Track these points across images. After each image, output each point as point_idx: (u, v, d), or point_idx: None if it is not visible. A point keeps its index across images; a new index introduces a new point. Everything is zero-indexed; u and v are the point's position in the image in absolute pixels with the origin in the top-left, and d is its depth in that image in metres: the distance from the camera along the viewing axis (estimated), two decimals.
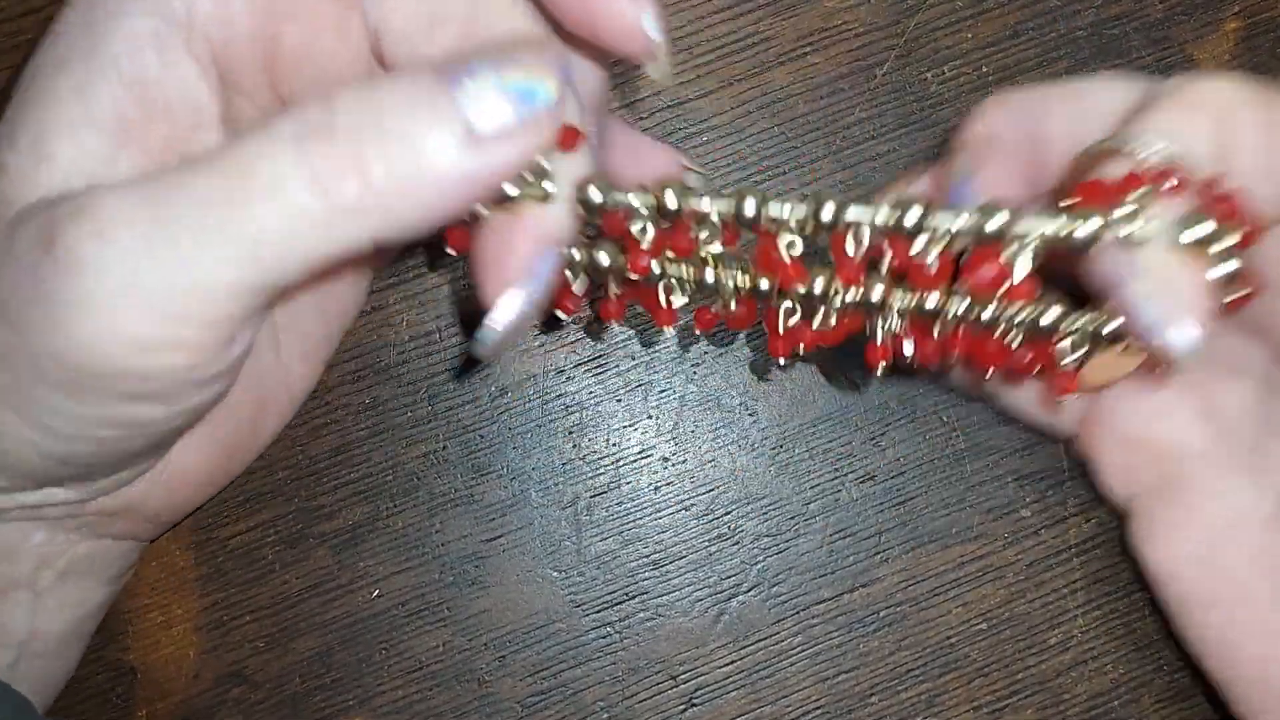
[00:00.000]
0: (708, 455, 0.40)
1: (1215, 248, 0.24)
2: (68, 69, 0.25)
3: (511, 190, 0.25)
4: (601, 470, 0.39)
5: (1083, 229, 0.24)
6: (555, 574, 0.39)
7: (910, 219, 0.25)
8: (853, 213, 0.25)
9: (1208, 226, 0.24)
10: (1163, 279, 0.24)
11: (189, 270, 0.22)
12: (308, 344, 0.36)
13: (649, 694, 0.39)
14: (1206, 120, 0.26)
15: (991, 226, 0.25)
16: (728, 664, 0.39)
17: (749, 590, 0.39)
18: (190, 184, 0.23)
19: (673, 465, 0.40)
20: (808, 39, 0.39)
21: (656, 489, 0.39)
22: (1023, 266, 0.25)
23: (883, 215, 0.25)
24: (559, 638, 0.39)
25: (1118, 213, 0.24)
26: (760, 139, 0.39)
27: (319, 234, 0.23)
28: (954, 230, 0.25)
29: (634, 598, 0.39)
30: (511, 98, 0.23)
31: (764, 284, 0.27)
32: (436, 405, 0.39)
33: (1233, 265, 0.24)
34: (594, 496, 0.39)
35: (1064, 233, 0.24)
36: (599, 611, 0.39)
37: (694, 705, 0.39)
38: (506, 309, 0.26)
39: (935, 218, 0.25)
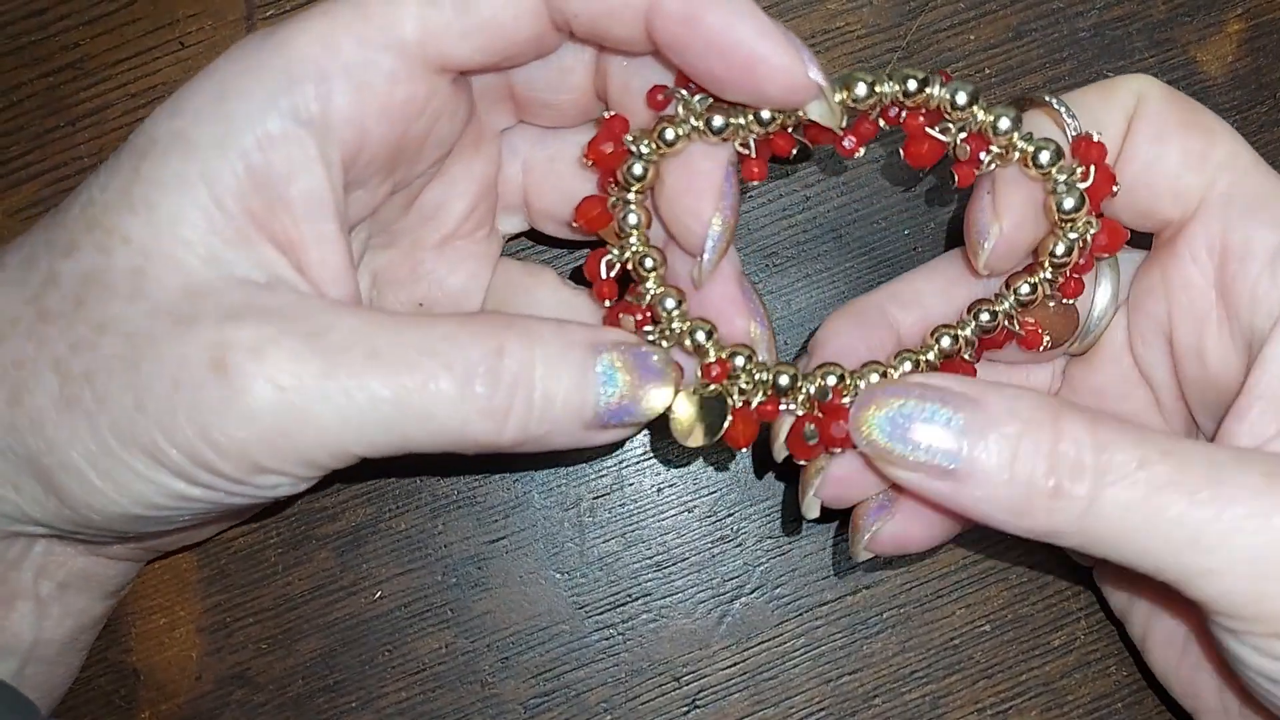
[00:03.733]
0: (710, 457, 0.40)
1: (1061, 175, 0.29)
2: (197, 154, 0.26)
3: (670, 134, 0.29)
4: (604, 472, 0.39)
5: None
6: (558, 575, 0.39)
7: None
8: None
9: (1062, 160, 0.29)
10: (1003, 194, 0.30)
11: (335, 437, 0.26)
12: None
13: (652, 695, 0.39)
14: (1120, 109, 0.30)
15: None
16: (731, 665, 0.39)
17: (752, 592, 0.39)
18: (363, 368, 0.25)
19: (675, 467, 0.40)
20: (811, 41, 0.39)
21: (659, 490, 0.39)
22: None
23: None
24: (562, 639, 0.39)
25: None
26: None
27: (450, 439, 0.26)
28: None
29: (637, 599, 0.39)
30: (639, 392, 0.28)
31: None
32: None
33: (1074, 194, 0.29)
34: (597, 498, 0.39)
35: None
36: (602, 613, 0.39)
37: (697, 707, 0.39)
38: (715, 229, 0.30)
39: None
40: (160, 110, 0.27)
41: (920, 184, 0.40)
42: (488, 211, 0.34)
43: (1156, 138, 0.30)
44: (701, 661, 0.39)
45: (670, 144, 0.30)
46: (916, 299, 0.34)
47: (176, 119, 0.27)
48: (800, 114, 0.29)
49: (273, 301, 0.26)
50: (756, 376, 0.30)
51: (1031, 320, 0.32)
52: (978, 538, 0.39)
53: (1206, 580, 0.26)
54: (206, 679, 0.39)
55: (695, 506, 0.39)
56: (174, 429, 0.25)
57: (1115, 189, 0.30)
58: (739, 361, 0.30)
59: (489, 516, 0.39)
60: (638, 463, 0.39)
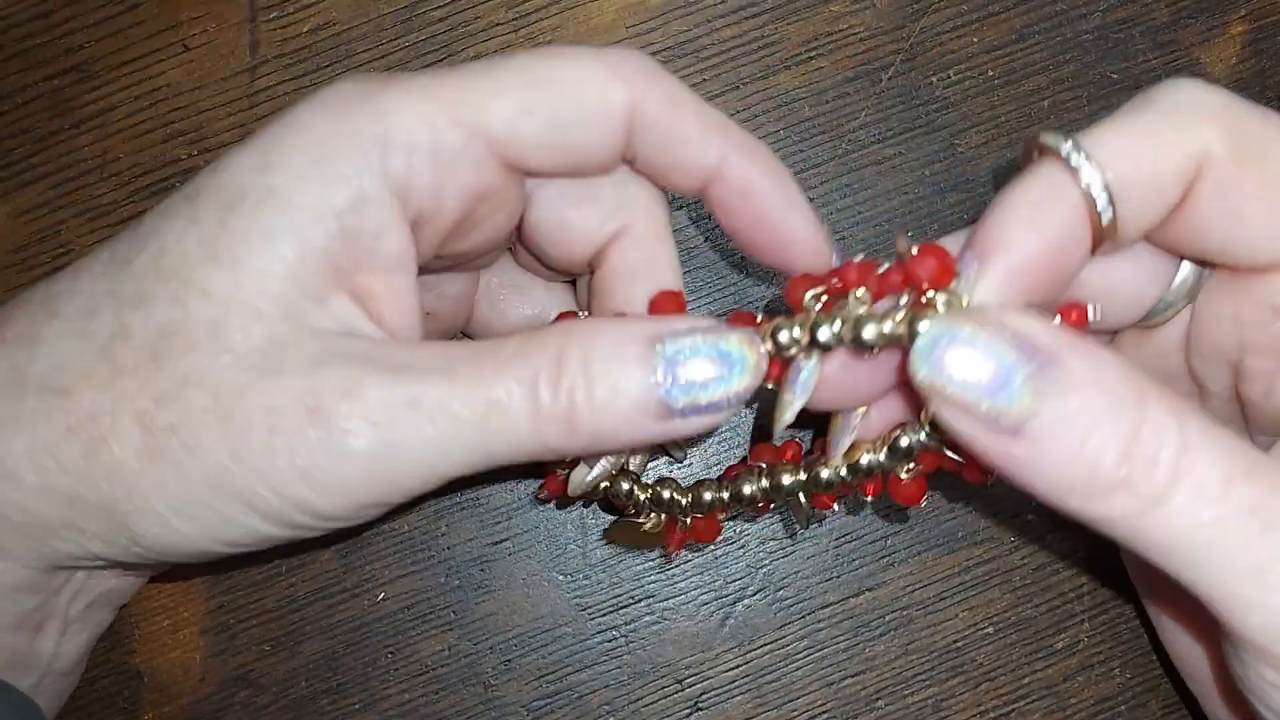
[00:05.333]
0: (713, 458, 0.40)
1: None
2: (291, 212, 0.27)
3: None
4: None
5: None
6: (561, 578, 0.39)
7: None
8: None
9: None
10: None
11: (427, 463, 0.27)
12: None
13: (654, 698, 0.39)
14: (1177, 158, 0.27)
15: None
16: (733, 668, 0.39)
17: (754, 594, 0.39)
18: (444, 393, 0.26)
19: (678, 468, 0.40)
20: (813, 43, 0.39)
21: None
22: None
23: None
24: (565, 641, 0.39)
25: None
26: (766, 142, 0.39)
27: (530, 449, 0.27)
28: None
29: (639, 601, 0.39)
30: (715, 362, 0.27)
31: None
32: None
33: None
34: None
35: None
36: (604, 615, 0.39)
37: (699, 709, 0.39)
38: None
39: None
40: (245, 159, 0.27)
41: (923, 186, 0.40)
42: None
43: (1235, 192, 0.27)
44: (704, 664, 0.39)
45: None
46: None
47: (270, 174, 0.27)
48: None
49: (353, 347, 0.27)
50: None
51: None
52: (980, 540, 0.39)
53: (1251, 612, 0.25)
54: (210, 680, 0.39)
55: None
56: (273, 474, 0.26)
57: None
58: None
59: (492, 519, 0.39)
60: None
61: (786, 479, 0.32)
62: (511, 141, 0.28)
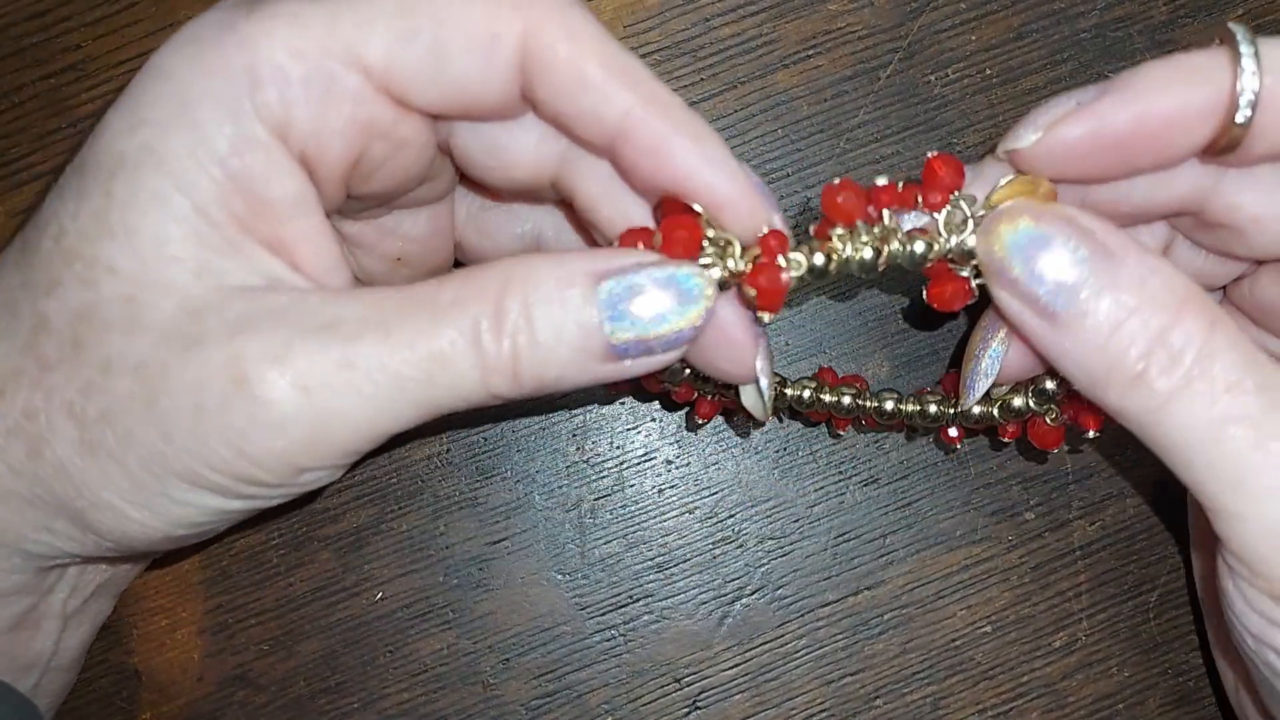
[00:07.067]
0: (711, 458, 0.40)
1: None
2: (170, 166, 0.25)
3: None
4: (605, 473, 0.39)
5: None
6: (560, 577, 0.39)
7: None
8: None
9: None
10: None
11: (368, 423, 0.25)
12: None
13: (654, 696, 0.39)
14: None
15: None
16: (732, 667, 0.39)
17: (753, 593, 0.39)
18: (381, 350, 0.25)
19: (676, 468, 0.40)
20: (812, 42, 0.39)
21: (660, 492, 0.39)
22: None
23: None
24: (564, 640, 0.39)
25: None
26: (764, 141, 0.39)
27: (475, 397, 0.26)
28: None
29: (638, 600, 0.39)
30: (669, 292, 0.26)
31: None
32: None
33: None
34: (598, 499, 0.39)
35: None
36: (603, 614, 0.39)
37: (698, 708, 0.39)
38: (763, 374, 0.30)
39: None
40: (117, 121, 0.26)
41: None
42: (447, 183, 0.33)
43: None
44: (703, 663, 0.39)
45: None
46: None
47: (141, 131, 0.25)
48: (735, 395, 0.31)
49: (276, 304, 0.25)
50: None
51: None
52: (979, 538, 0.39)
53: (1235, 523, 0.26)
54: (208, 680, 0.39)
55: (696, 508, 0.39)
56: (208, 453, 0.25)
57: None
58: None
59: (490, 518, 0.39)
60: (639, 464, 0.39)
61: (933, 408, 0.35)
62: (392, 73, 0.26)
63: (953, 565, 0.39)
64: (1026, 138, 0.28)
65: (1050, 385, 0.32)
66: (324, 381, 0.25)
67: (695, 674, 0.39)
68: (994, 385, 0.31)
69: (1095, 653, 0.39)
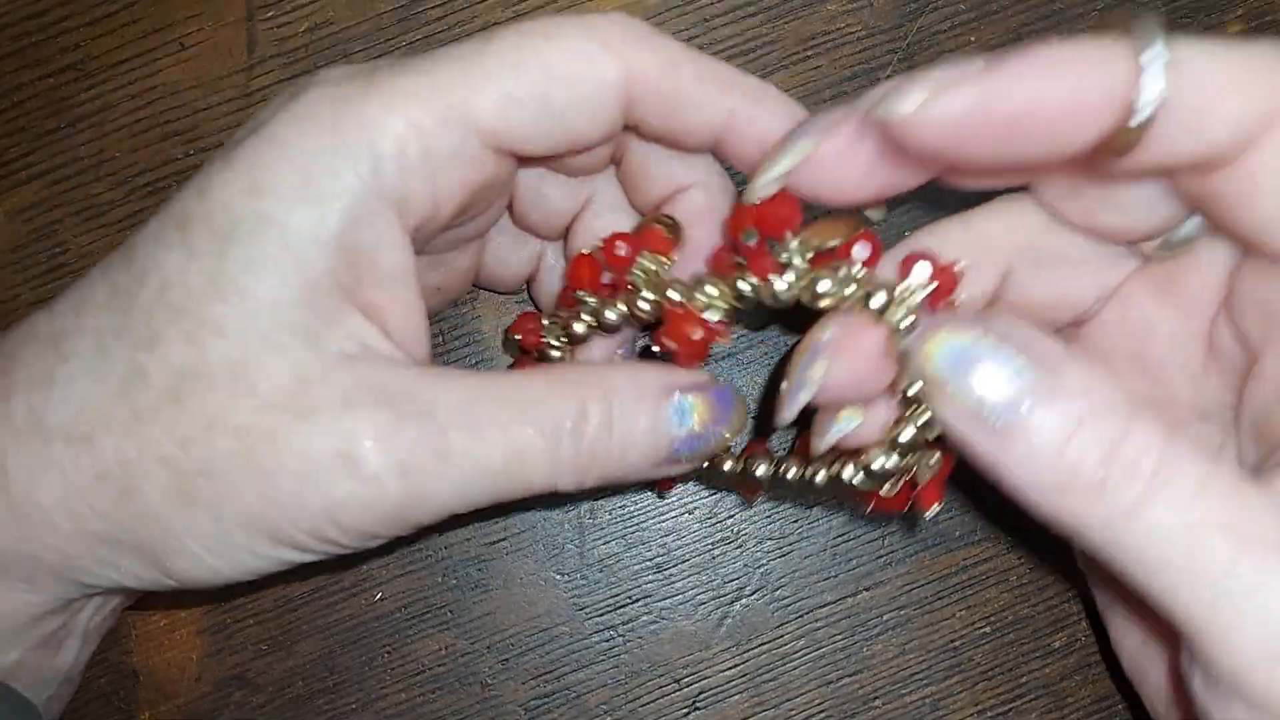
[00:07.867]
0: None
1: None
2: (288, 237, 0.26)
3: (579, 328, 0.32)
4: None
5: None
6: (558, 577, 0.39)
7: None
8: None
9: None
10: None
11: (445, 504, 0.28)
12: None
13: (652, 697, 0.39)
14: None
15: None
16: (731, 667, 0.39)
17: (752, 593, 0.39)
18: (471, 443, 0.27)
19: None
20: (810, 43, 0.39)
21: (659, 492, 0.39)
22: None
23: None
24: (562, 641, 0.39)
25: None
26: None
27: (539, 490, 0.28)
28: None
29: (637, 601, 0.39)
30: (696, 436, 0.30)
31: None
32: None
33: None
34: (597, 500, 0.39)
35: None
36: (602, 615, 0.39)
37: (697, 709, 0.39)
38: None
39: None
40: (233, 181, 0.26)
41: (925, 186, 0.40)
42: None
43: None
44: (702, 663, 0.39)
45: (580, 339, 0.32)
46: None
47: (260, 199, 0.26)
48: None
49: (377, 379, 0.27)
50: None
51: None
52: (978, 539, 0.39)
53: (1216, 638, 0.24)
54: (206, 680, 0.39)
55: (695, 508, 0.39)
56: (303, 518, 0.27)
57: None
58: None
59: (489, 518, 0.39)
60: None
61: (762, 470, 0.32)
62: (504, 132, 0.27)
63: (951, 566, 0.39)
64: (913, 99, 0.25)
65: (880, 464, 0.29)
66: (422, 468, 0.27)
67: (694, 674, 0.39)
68: (827, 422, 0.30)
69: (1094, 653, 0.39)
